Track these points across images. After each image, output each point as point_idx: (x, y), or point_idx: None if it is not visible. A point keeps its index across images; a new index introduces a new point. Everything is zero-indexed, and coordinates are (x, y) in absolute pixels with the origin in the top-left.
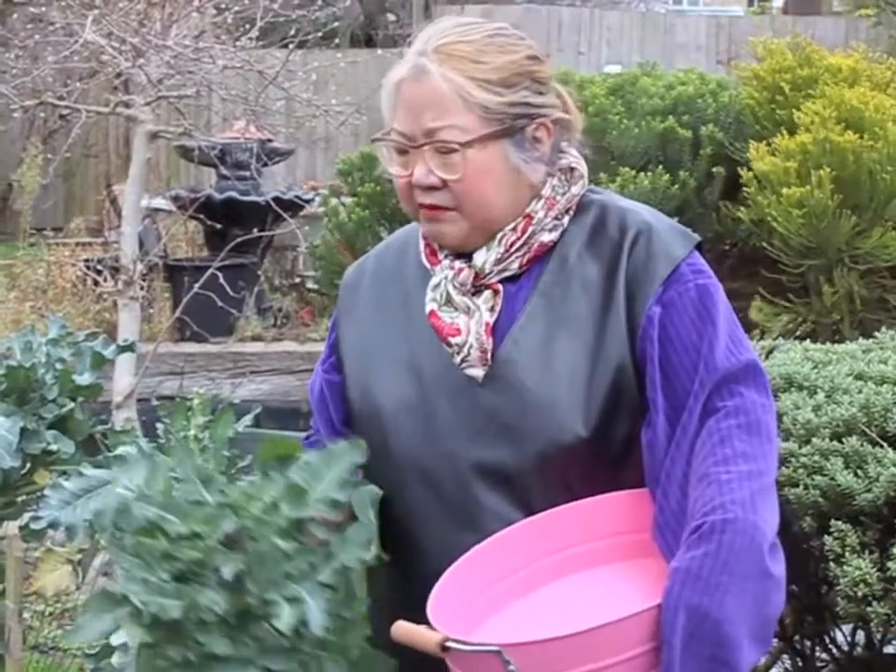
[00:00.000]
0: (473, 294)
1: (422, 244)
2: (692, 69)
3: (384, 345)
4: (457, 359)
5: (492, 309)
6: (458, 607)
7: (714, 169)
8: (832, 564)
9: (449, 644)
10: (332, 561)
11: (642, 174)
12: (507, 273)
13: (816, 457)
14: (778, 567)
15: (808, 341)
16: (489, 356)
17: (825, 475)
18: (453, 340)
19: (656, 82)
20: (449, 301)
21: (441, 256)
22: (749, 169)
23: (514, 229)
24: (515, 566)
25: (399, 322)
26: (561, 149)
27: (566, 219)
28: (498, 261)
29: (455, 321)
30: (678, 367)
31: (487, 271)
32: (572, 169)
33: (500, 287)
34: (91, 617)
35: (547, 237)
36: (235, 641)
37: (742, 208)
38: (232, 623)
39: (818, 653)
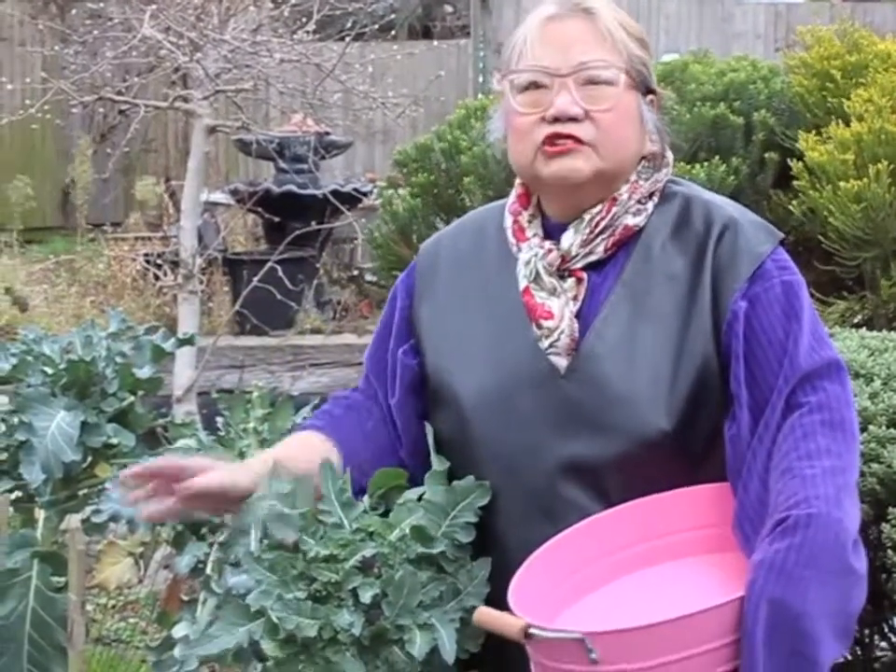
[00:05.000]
0: (559, 279)
1: (509, 219)
2: (744, 56)
3: (462, 330)
4: (545, 343)
5: (575, 298)
6: (539, 594)
7: (766, 155)
8: (889, 551)
9: (532, 630)
10: (459, 596)
11: (698, 165)
12: (592, 258)
13: (873, 445)
14: (860, 563)
15: (865, 329)
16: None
17: (882, 462)
18: (545, 323)
19: (707, 69)
20: (538, 279)
21: (529, 233)
22: (800, 159)
23: (601, 211)
24: (596, 556)
25: (479, 306)
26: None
27: (650, 205)
28: (585, 243)
29: (546, 303)
30: (763, 362)
31: (574, 253)
32: (660, 155)
33: (584, 275)
34: (224, 628)
35: (631, 221)
36: (367, 664)
37: (793, 197)
38: (366, 644)
39: (876, 642)
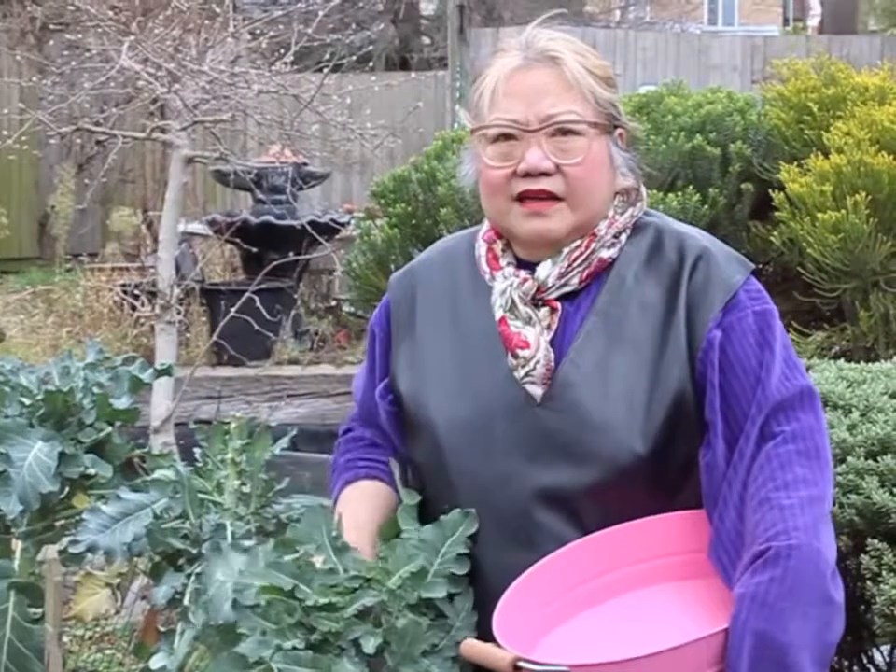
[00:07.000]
0: (534, 308)
1: (482, 248)
2: (719, 88)
3: (436, 359)
4: (521, 373)
5: (548, 327)
6: (518, 623)
7: (743, 186)
8: (868, 583)
9: (521, 664)
10: (451, 632)
11: (671, 194)
12: (567, 289)
13: (851, 476)
14: (839, 593)
15: (843, 360)
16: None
17: (860, 494)
18: (521, 352)
19: (683, 101)
20: (513, 308)
21: (503, 262)
22: (780, 190)
23: (579, 245)
24: (573, 583)
25: (452, 335)
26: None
27: (623, 237)
28: (561, 275)
29: (522, 332)
30: (737, 391)
31: (550, 284)
32: (634, 190)
33: (559, 305)
34: None
35: (606, 253)
36: None
37: (771, 228)
38: None
39: None
